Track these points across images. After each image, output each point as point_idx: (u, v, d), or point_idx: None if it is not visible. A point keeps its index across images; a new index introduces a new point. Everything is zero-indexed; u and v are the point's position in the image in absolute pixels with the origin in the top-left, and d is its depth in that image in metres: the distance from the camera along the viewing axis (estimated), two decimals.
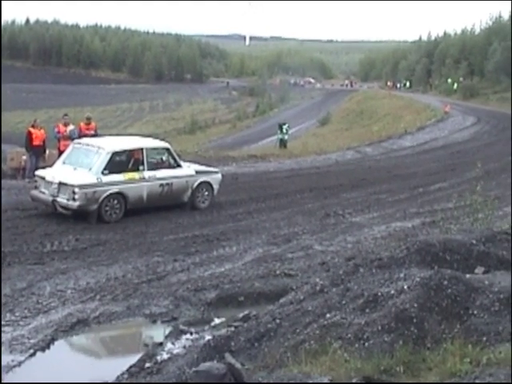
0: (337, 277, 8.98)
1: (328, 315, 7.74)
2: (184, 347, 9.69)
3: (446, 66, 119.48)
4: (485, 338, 6.86)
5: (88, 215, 17.16)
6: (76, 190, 16.85)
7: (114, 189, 17.45)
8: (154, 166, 18.67)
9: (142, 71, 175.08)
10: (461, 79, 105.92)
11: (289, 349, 7.35)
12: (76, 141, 19.70)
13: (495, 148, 40.71)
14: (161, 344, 9.91)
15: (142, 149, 18.64)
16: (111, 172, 17.61)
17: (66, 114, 24.84)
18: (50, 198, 17.33)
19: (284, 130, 41.26)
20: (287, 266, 13.74)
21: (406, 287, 7.63)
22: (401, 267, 8.66)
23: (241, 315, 10.45)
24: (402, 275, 8.21)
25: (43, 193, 17.73)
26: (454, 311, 7.32)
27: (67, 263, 13.63)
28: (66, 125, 23.53)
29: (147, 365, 9.01)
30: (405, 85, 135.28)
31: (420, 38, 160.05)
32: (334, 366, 6.50)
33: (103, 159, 17.59)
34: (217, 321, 11.00)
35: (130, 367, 8.92)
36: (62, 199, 17.11)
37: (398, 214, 19.72)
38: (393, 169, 30.07)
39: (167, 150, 19.39)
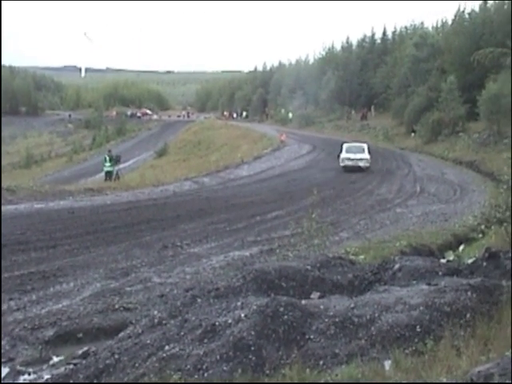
0: (175, 308, 8.99)
1: (167, 347, 7.73)
2: None
3: (281, 95, 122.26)
4: (322, 362, 7.04)
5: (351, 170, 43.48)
6: (369, 159, 45.15)
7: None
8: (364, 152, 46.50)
9: None
10: (291, 110, 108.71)
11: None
12: (348, 144, 47.92)
13: (330, 175, 42.03)
14: None
15: (364, 146, 47.50)
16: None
17: None
18: (356, 164, 44.30)
19: (113, 162, 41.14)
20: (126, 300, 13.58)
21: (243, 316, 7.72)
22: (238, 296, 8.76)
23: (80, 352, 10.27)
24: (239, 304, 8.30)
25: (348, 163, 44.68)
26: (291, 337, 7.46)
27: None
28: None
29: None
30: (241, 114, 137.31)
31: (255, 69, 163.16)
32: None
33: (367, 149, 46.49)
34: (55, 359, 10.72)
35: None
36: (361, 163, 44.37)
37: (236, 243, 19.88)
38: (230, 198, 30.35)
39: (368, 146, 48.01)
